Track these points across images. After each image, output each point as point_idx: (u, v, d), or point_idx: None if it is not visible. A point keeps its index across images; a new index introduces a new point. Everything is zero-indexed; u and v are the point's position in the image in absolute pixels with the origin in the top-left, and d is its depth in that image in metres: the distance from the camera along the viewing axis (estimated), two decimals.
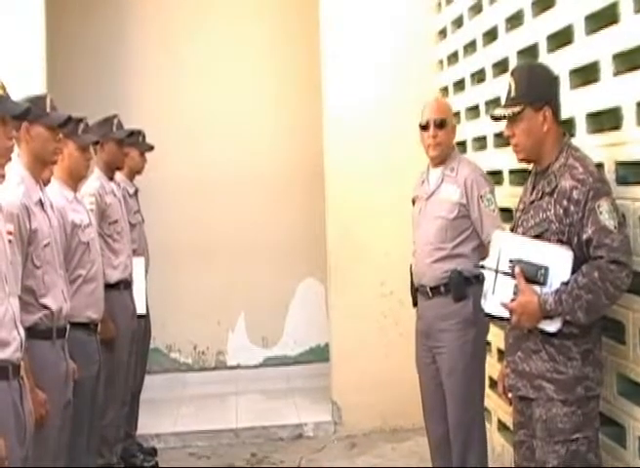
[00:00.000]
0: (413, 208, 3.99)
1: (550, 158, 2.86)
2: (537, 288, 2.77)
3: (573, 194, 2.72)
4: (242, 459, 5.11)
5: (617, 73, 3.03)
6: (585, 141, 3.24)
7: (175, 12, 6.78)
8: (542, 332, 2.79)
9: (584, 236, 2.70)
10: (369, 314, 5.44)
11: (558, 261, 2.73)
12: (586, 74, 3.28)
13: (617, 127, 3.02)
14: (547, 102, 2.85)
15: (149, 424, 5.41)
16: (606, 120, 3.15)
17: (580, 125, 3.30)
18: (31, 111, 2.77)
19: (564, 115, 3.37)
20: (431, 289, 3.77)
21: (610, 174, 3.02)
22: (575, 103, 3.34)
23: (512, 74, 2.98)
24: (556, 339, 2.78)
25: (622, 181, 2.99)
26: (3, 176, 3.08)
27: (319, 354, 6.64)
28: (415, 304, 3.93)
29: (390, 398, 5.35)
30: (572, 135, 3.34)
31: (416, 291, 3.89)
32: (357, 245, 5.47)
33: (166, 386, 6.46)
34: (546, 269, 2.74)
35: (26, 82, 4.74)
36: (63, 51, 6.14)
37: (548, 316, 2.74)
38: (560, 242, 2.76)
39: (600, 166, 3.04)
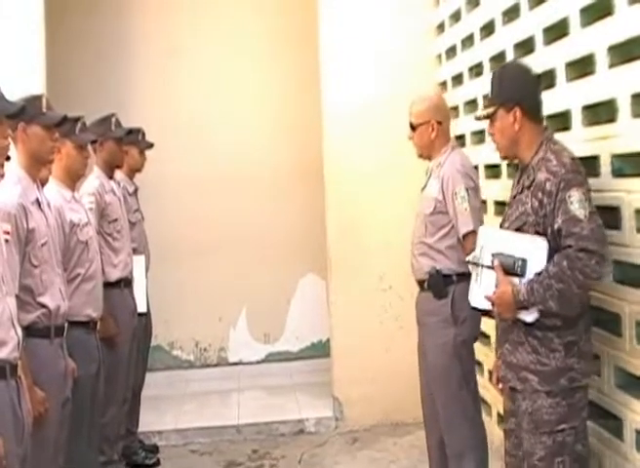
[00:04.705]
0: None
1: (530, 153, 2.93)
2: (515, 279, 2.83)
3: (546, 186, 2.79)
4: (244, 455, 5.12)
5: (612, 65, 3.03)
6: (581, 134, 3.25)
7: (174, 10, 6.78)
8: (525, 324, 2.84)
9: (555, 226, 2.76)
10: (369, 309, 5.45)
11: (535, 252, 2.80)
12: (582, 66, 3.28)
13: (612, 119, 3.02)
14: (518, 103, 2.92)
15: (151, 421, 5.43)
16: (602, 112, 3.15)
17: (576, 117, 3.30)
18: (26, 110, 2.77)
19: (560, 108, 3.40)
20: (418, 282, 3.84)
21: (605, 166, 3.03)
22: (570, 96, 3.34)
23: (492, 75, 3.10)
24: (539, 331, 2.83)
25: (618, 174, 2.99)
26: (2, 176, 3.09)
27: (320, 349, 6.65)
28: None
29: (391, 392, 5.36)
30: (567, 127, 3.35)
31: None
32: (357, 240, 5.47)
33: (168, 383, 6.48)
34: (524, 260, 2.81)
35: (26, 82, 4.74)
36: (63, 50, 6.15)
37: (524, 306, 2.80)
38: (537, 233, 2.82)
39: (595, 158, 3.07)
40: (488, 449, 3.80)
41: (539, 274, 2.77)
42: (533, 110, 2.96)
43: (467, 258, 3.06)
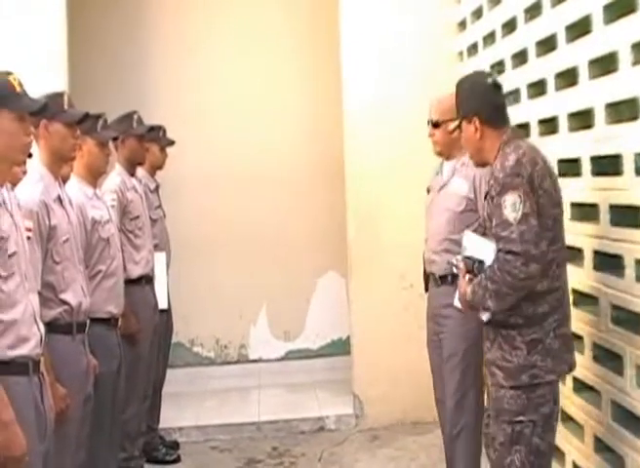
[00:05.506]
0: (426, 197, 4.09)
1: (493, 159, 3.08)
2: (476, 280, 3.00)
3: (491, 191, 2.99)
4: (264, 453, 5.13)
5: (635, 63, 3.00)
6: (603, 132, 3.22)
7: (194, 7, 6.79)
8: (490, 322, 3.00)
9: (493, 230, 2.91)
10: (390, 307, 5.44)
11: (489, 254, 2.94)
12: (605, 64, 3.25)
13: (635, 117, 2.99)
14: (476, 113, 3.10)
15: (172, 418, 5.45)
16: (624, 110, 3.12)
17: (599, 115, 3.28)
18: (48, 108, 2.78)
19: (582, 106, 3.38)
20: (440, 277, 3.86)
21: (628, 164, 3.01)
22: (593, 94, 3.32)
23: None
24: (504, 329, 2.98)
25: None
26: (25, 173, 3.11)
27: (341, 347, 6.65)
28: (427, 290, 4.06)
29: (411, 391, 5.35)
30: (589, 125, 3.32)
31: (427, 277, 4.02)
32: (377, 239, 5.47)
33: (189, 380, 6.50)
34: (481, 262, 2.98)
35: (48, 79, 4.76)
36: (85, 48, 6.16)
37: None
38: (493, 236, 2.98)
39: (617, 157, 3.05)
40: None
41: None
42: (492, 118, 3.10)
43: (450, 261, 3.24)
